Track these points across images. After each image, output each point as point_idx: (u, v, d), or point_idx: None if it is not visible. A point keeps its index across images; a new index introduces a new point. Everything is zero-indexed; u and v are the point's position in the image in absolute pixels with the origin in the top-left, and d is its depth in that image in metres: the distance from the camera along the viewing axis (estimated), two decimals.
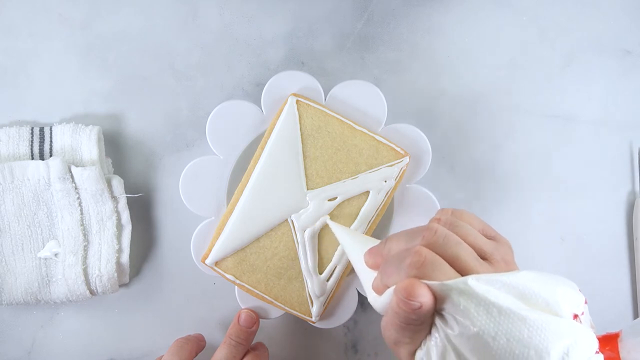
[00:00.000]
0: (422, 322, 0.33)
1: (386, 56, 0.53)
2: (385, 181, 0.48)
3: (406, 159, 0.48)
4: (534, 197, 0.54)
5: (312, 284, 0.48)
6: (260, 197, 0.48)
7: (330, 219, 0.47)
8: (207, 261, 0.48)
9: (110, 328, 0.52)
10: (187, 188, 0.49)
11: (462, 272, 0.34)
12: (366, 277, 0.39)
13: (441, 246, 0.34)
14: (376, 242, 0.41)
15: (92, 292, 0.49)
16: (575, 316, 0.33)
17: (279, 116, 0.48)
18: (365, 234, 0.48)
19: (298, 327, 0.52)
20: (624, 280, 0.54)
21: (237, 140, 0.49)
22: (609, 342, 0.35)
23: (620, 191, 0.54)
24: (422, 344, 0.34)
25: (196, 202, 0.49)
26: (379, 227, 0.49)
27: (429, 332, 0.34)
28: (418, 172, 0.49)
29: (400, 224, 0.50)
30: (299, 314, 0.48)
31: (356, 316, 0.53)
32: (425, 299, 0.32)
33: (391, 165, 0.48)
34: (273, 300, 0.48)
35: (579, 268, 0.54)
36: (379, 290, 0.37)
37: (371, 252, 0.39)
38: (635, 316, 0.54)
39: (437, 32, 0.53)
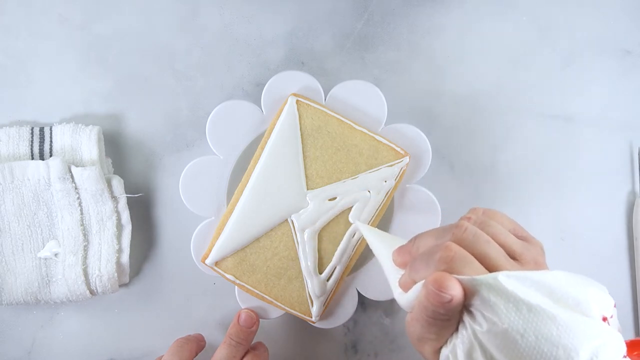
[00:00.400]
0: (449, 317, 0.33)
1: (386, 56, 0.53)
2: (385, 181, 0.48)
3: (406, 159, 0.48)
4: (534, 197, 0.54)
5: (312, 284, 0.48)
6: (260, 197, 0.48)
7: (331, 220, 0.48)
8: (207, 261, 0.48)
9: (110, 328, 0.52)
10: (187, 188, 0.49)
11: (491, 270, 0.34)
12: (393, 276, 0.39)
13: (471, 243, 0.34)
14: (403, 241, 0.40)
15: (92, 292, 0.49)
16: (605, 319, 0.32)
17: (279, 116, 0.48)
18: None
19: (298, 327, 0.52)
20: (624, 280, 0.54)
21: (237, 140, 0.49)
22: (637, 347, 0.35)
23: (620, 191, 0.54)
24: (448, 341, 0.34)
25: (196, 202, 0.49)
26: (379, 227, 0.49)
27: (456, 330, 0.34)
28: (418, 172, 0.49)
29: (400, 224, 0.50)
30: (299, 314, 0.48)
31: (356, 316, 0.53)
32: (455, 291, 0.32)
33: (391, 165, 0.48)
34: (273, 300, 0.48)
35: (579, 268, 0.54)
36: (407, 286, 0.36)
37: (400, 250, 0.39)
38: (636, 316, 0.54)
39: (437, 32, 0.53)
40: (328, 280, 0.48)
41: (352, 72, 0.53)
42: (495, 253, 0.34)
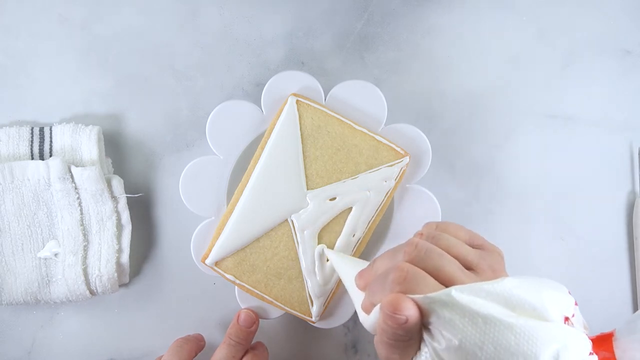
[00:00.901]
0: (409, 337, 0.33)
1: (386, 56, 0.53)
2: (385, 181, 0.48)
3: (406, 159, 0.48)
4: (534, 197, 0.54)
5: (312, 284, 0.48)
6: (260, 197, 0.48)
7: (331, 220, 0.48)
8: (207, 261, 0.48)
9: (110, 328, 0.52)
10: (187, 188, 0.49)
11: (447, 283, 0.34)
12: (357, 299, 0.39)
13: (423, 260, 0.34)
14: (366, 263, 0.41)
15: (92, 292, 0.49)
16: (567, 319, 0.32)
17: (279, 116, 0.48)
18: (365, 234, 0.48)
19: (298, 327, 0.52)
20: (624, 280, 0.54)
21: (237, 140, 0.49)
22: (603, 343, 0.35)
23: (620, 191, 0.54)
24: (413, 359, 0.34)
25: (196, 202, 0.49)
26: (379, 227, 0.49)
27: (419, 348, 0.34)
28: (418, 172, 0.49)
29: (400, 224, 0.50)
30: (299, 314, 0.48)
31: (356, 316, 0.53)
32: (410, 312, 0.32)
33: (391, 165, 0.48)
34: (273, 300, 0.48)
35: (578, 268, 0.54)
36: (368, 309, 0.37)
37: (361, 274, 0.40)
38: None
39: (437, 32, 0.53)
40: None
41: (352, 72, 0.53)
42: (449, 266, 0.34)
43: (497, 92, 0.54)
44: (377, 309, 0.35)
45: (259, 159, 0.48)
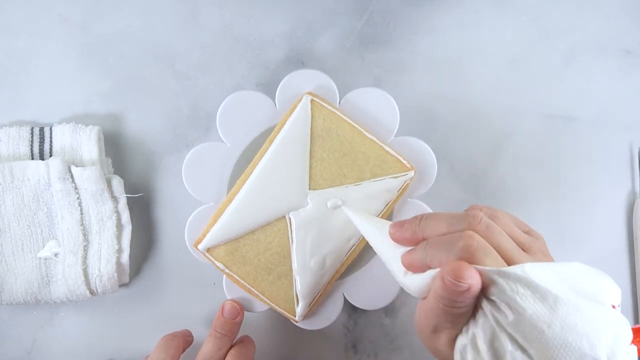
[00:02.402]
0: (466, 305, 0.33)
1: (386, 56, 0.53)
2: (388, 192, 0.48)
3: (411, 173, 0.48)
4: (533, 197, 0.54)
5: (301, 284, 0.47)
6: (261, 190, 0.47)
7: (328, 223, 0.48)
8: (200, 246, 0.48)
9: (110, 328, 0.52)
10: (190, 170, 0.48)
11: (506, 260, 0.34)
12: (392, 253, 0.39)
13: (485, 234, 0.35)
14: (386, 222, 0.41)
15: (92, 292, 0.49)
16: (613, 307, 0.34)
17: (291, 112, 0.48)
18: (360, 241, 0.48)
19: (298, 327, 0.52)
20: (624, 280, 0.54)
21: (246, 130, 0.49)
22: (637, 335, 0.35)
23: (620, 191, 0.54)
24: (464, 330, 0.34)
25: (197, 185, 0.48)
26: None
27: (472, 318, 0.34)
28: (421, 188, 0.49)
29: None
30: (283, 312, 0.48)
31: (356, 316, 0.53)
32: (474, 281, 0.32)
33: (396, 177, 0.48)
34: (259, 294, 0.48)
35: None
36: (415, 268, 0.36)
37: (400, 226, 0.39)
38: (636, 316, 0.54)
39: (438, 32, 0.53)
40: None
41: (352, 72, 0.53)
42: (509, 244, 0.35)
43: (497, 92, 0.54)
44: (430, 272, 0.35)
45: (265, 152, 0.48)
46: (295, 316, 0.48)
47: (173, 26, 0.52)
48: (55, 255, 0.49)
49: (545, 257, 0.37)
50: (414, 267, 0.37)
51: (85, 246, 0.49)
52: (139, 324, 0.52)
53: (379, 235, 0.41)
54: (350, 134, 0.48)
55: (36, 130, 0.50)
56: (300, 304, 0.48)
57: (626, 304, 0.54)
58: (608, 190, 0.54)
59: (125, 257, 0.50)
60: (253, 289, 0.48)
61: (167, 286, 0.52)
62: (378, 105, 0.49)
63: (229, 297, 0.49)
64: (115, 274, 0.49)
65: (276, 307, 0.48)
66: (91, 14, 0.52)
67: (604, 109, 0.54)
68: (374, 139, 0.48)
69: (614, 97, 0.54)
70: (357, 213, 0.45)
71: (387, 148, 0.48)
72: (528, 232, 0.38)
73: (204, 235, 0.48)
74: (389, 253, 0.39)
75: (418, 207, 0.49)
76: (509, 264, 0.34)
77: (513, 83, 0.54)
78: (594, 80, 0.54)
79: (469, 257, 0.33)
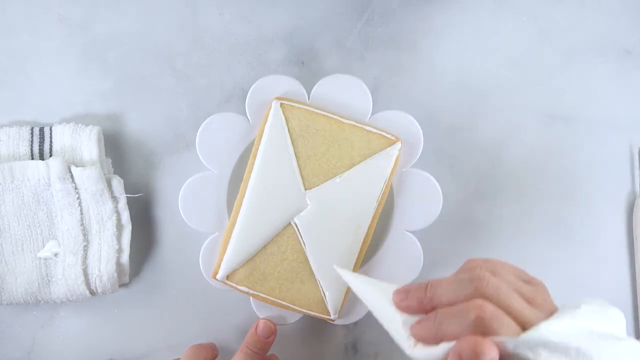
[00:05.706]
0: None
1: (386, 56, 0.53)
2: (382, 169, 0.48)
3: (398, 144, 0.48)
4: (534, 197, 0.54)
5: (325, 282, 0.47)
6: (260, 205, 0.48)
7: (334, 216, 0.48)
8: (218, 276, 0.48)
9: (110, 328, 0.52)
10: (188, 208, 0.49)
11: (517, 320, 0.33)
12: (395, 321, 0.37)
13: (494, 297, 0.34)
14: (392, 286, 0.38)
15: (92, 292, 0.49)
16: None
17: (265, 122, 0.48)
18: (370, 225, 0.48)
19: (298, 327, 0.52)
20: (624, 280, 0.54)
21: (228, 153, 0.49)
22: None
23: (620, 191, 0.54)
24: None
25: (198, 220, 0.49)
26: (382, 217, 0.49)
27: None
28: (412, 155, 0.49)
29: (403, 210, 0.49)
30: (318, 314, 0.48)
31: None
32: (492, 355, 0.31)
33: (385, 152, 0.48)
34: (290, 305, 0.48)
35: (579, 268, 0.54)
36: (428, 340, 0.35)
37: (405, 293, 0.37)
38: (636, 317, 0.54)
39: (437, 32, 0.53)
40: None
41: (352, 72, 0.53)
42: (518, 303, 0.34)
43: (497, 91, 0.54)
44: (445, 346, 0.34)
45: (252, 168, 0.48)
46: (330, 316, 0.48)
47: (173, 26, 0.52)
48: (55, 255, 0.49)
49: (550, 306, 0.35)
50: (423, 339, 0.35)
51: (85, 246, 0.49)
52: (139, 324, 0.52)
53: (380, 301, 0.38)
54: (328, 125, 0.48)
55: (36, 130, 0.50)
56: (330, 302, 0.48)
57: (626, 304, 0.54)
58: (608, 190, 0.54)
59: (125, 257, 0.50)
60: (282, 302, 0.48)
61: (167, 286, 0.52)
62: (345, 89, 0.49)
63: (260, 317, 0.49)
64: (115, 274, 0.49)
65: (310, 312, 0.48)
66: (91, 14, 0.52)
67: (604, 109, 0.54)
68: (353, 122, 0.48)
69: (614, 97, 0.54)
70: (355, 276, 0.41)
71: (367, 128, 0.48)
72: (529, 281, 0.37)
73: (219, 265, 0.48)
74: (392, 321, 0.37)
75: (415, 174, 0.49)
76: (521, 324, 0.33)
77: (513, 83, 0.54)
78: (594, 80, 0.54)
79: (483, 329, 0.32)
